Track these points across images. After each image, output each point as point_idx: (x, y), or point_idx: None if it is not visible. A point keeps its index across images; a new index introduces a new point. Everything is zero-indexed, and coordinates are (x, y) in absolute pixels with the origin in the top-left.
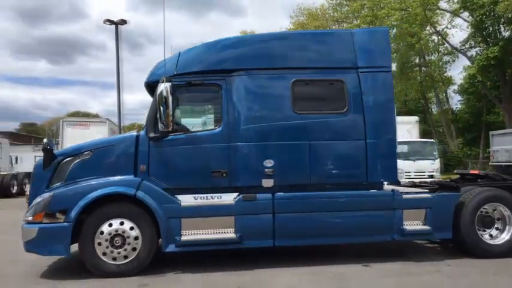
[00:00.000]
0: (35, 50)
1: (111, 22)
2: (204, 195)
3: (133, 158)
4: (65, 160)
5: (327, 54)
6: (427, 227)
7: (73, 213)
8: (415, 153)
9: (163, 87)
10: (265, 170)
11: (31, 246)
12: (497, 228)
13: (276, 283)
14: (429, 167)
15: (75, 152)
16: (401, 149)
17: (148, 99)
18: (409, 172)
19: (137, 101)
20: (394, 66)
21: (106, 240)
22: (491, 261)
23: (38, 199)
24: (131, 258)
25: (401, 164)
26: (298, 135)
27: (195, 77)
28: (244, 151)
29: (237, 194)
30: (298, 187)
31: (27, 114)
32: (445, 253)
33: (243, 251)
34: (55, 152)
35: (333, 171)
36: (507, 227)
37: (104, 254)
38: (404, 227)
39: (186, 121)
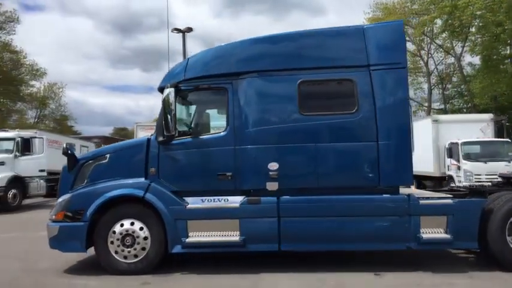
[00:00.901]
0: (129, 59)
1: (179, 30)
2: (212, 197)
3: (145, 161)
4: (86, 163)
5: (335, 52)
6: (447, 236)
7: (88, 213)
8: (487, 154)
9: (167, 92)
10: (270, 173)
11: (54, 242)
12: None
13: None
14: (503, 169)
15: (95, 156)
16: (472, 150)
17: None
18: (479, 175)
19: None
20: (477, 60)
21: (118, 240)
22: None
23: (60, 199)
24: (141, 258)
25: (470, 166)
26: (304, 138)
27: (203, 82)
28: (248, 154)
29: (243, 197)
30: (307, 191)
31: (121, 119)
32: (473, 264)
33: (252, 254)
34: (78, 155)
35: (342, 175)
36: None
37: (116, 252)
38: (421, 235)
39: (194, 125)
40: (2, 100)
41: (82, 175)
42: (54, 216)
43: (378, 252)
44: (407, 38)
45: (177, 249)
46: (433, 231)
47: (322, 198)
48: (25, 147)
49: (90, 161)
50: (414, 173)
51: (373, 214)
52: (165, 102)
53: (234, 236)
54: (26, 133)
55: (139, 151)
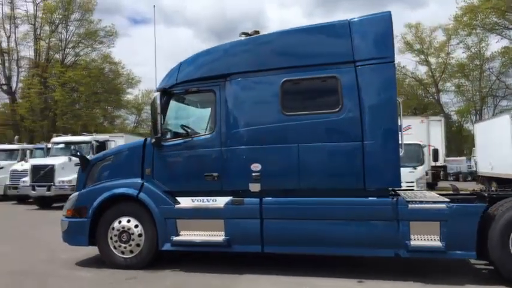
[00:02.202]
0: None
1: (246, 34)
2: (201, 198)
3: (141, 162)
4: (95, 164)
5: (319, 49)
6: (437, 244)
7: (90, 211)
8: None
9: (154, 96)
10: (253, 174)
11: (64, 236)
12: None
13: None
14: None
15: (102, 157)
16: None
17: None
18: None
19: None
20: None
21: (115, 236)
22: None
23: (71, 197)
24: (136, 254)
25: None
26: (286, 138)
27: (193, 85)
28: (233, 155)
29: (229, 197)
30: (291, 192)
31: None
32: (474, 275)
33: (246, 254)
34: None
35: (325, 176)
36: None
37: (115, 247)
38: (410, 241)
39: (186, 127)
40: (106, 107)
41: (92, 175)
42: (65, 212)
43: (367, 259)
44: None
45: (167, 246)
46: (424, 238)
47: (304, 200)
48: (100, 149)
49: (98, 162)
50: (492, 175)
51: (357, 218)
52: (152, 106)
53: (219, 236)
54: (101, 137)
55: (136, 152)
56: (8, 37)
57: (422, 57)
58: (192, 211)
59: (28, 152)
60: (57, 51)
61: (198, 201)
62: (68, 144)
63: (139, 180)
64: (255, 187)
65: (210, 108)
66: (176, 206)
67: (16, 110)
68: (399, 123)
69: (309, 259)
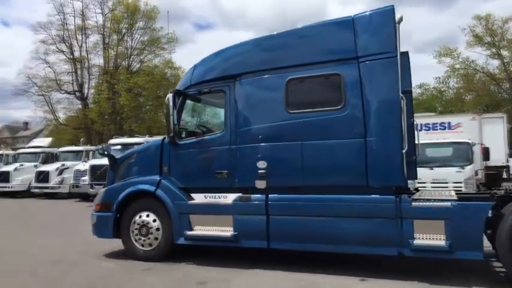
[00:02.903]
0: None
1: None
2: (213, 194)
3: (159, 160)
4: (122, 162)
5: (323, 47)
6: (442, 243)
7: (114, 206)
8: None
9: (167, 98)
10: (259, 171)
11: (93, 229)
12: None
13: (239, 283)
14: None
15: (127, 156)
16: None
17: None
18: None
19: None
20: None
21: (136, 229)
22: None
23: (99, 193)
24: (154, 247)
25: None
26: (290, 136)
27: (205, 86)
28: (241, 153)
29: (238, 194)
30: (297, 189)
31: None
32: (485, 276)
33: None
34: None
35: (329, 173)
36: None
37: (136, 240)
38: (412, 240)
39: (200, 126)
40: None
41: (119, 172)
42: (94, 207)
43: (370, 257)
44: None
45: (181, 240)
46: (429, 238)
47: (308, 197)
48: None
49: (124, 160)
50: None
51: (359, 215)
52: (166, 107)
53: (228, 232)
54: (153, 139)
55: (155, 151)
56: (80, 47)
57: (494, 50)
58: (203, 207)
59: (91, 153)
60: (123, 58)
61: (210, 197)
62: (124, 145)
63: (157, 178)
64: (261, 184)
65: (221, 108)
66: (189, 202)
67: (87, 114)
68: (411, 120)
69: (311, 256)
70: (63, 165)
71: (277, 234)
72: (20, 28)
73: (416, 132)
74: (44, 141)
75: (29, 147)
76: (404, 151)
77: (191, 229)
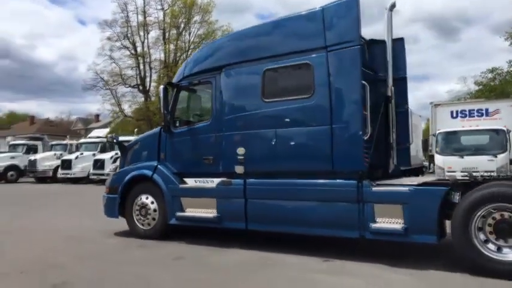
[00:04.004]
0: None
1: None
2: (202, 179)
3: (157, 147)
4: (129, 149)
5: (296, 38)
6: (397, 227)
7: (119, 189)
8: None
9: (160, 89)
10: (238, 157)
11: (104, 209)
12: None
13: (213, 259)
14: None
15: (133, 143)
16: None
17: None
18: None
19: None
20: None
21: (137, 210)
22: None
23: (109, 177)
24: (152, 226)
25: None
26: (265, 124)
27: (195, 78)
28: (224, 140)
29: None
30: (272, 174)
31: None
32: (446, 261)
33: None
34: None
35: (299, 159)
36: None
37: (137, 220)
38: (371, 224)
39: (191, 116)
40: None
41: (127, 158)
42: (105, 190)
43: (336, 239)
44: None
45: (173, 221)
46: (388, 221)
47: (278, 182)
48: None
49: (131, 147)
50: None
51: (324, 199)
52: (159, 98)
53: (212, 214)
54: None
55: (155, 139)
56: (142, 42)
57: None
58: (192, 190)
59: None
60: (182, 52)
61: (199, 182)
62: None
63: (155, 163)
64: (239, 169)
65: (208, 98)
66: (180, 185)
67: (149, 107)
68: (405, 107)
69: (286, 237)
70: (117, 153)
71: (254, 216)
72: (95, 26)
73: (410, 120)
74: (102, 132)
75: (89, 138)
76: (366, 138)
77: (182, 211)
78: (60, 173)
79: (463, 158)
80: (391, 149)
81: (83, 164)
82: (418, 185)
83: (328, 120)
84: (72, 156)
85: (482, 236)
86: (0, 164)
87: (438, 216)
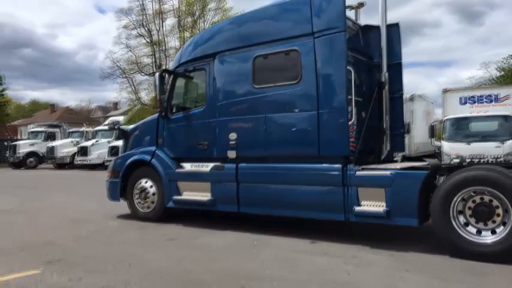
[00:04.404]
0: None
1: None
2: (198, 163)
3: (156, 133)
4: (130, 135)
5: (285, 24)
6: (379, 209)
7: (120, 173)
8: None
9: (155, 76)
10: (230, 142)
11: (107, 193)
12: (493, 222)
13: (204, 240)
14: None
15: (134, 129)
16: None
17: None
18: None
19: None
20: None
21: (137, 194)
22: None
23: (111, 162)
24: (151, 209)
25: None
26: (255, 109)
27: (190, 65)
28: (217, 126)
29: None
30: (262, 159)
31: None
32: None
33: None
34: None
35: (287, 144)
36: (493, 222)
37: (137, 203)
38: (354, 207)
39: (187, 102)
40: None
41: (129, 143)
42: (107, 174)
43: (321, 222)
44: None
45: (170, 204)
46: (372, 204)
47: (268, 166)
48: None
49: (132, 133)
50: None
51: (311, 183)
52: (154, 85)
53: (206, 197)
54: None
55: (153, 125)
56: (158, 30)
57: None
58: (187, 175)
59: None
60: None
61: (195, 166)
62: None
63: (153, 149)
64: (231, 154)
65: (203, 85)
66: (176, 170)
67: None
68: (400, 93)
69: (279, 220)
70: None
71: (245, 200)
72: (113, 15)
73: (404, 106)
74: (119, 119)
75: (104, 125)
76: (350, 122)
77: (179, 194)
78: (77, 159)
79: (469, 144)
80: (384, 134)
81: (98, 151)
82: (400, 169)
83: (315, 106)
84: (88, 144)
85: (462, 219)
86: (20, 151)
87: (419, 199)
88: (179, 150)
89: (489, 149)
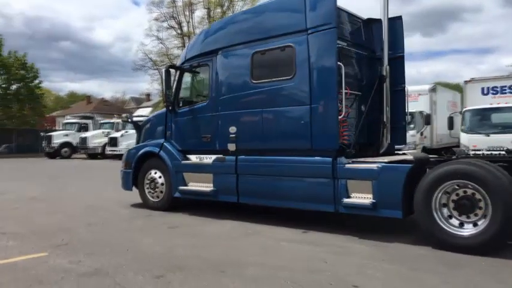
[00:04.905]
0: (409, 25)
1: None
2: (203, 155)
3: (164, 126)
4: (143, 127)
5: (281, 21)
6: (366, 201)
7: (132, 164)
8: None
9: (162, 72)
10: (230, 135)
11: (121, 183)
12: (476, 215)
13: (202, 228)
14: None
15: (146, 122)
16: None
17: None
18: None
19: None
20: None
21: (148, 184)
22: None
23: (124, 153)
24: (160, 199)
25: None
26: (253, 104)
27: (195, 61)
28: (220, 119)
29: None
30: (260, 152)
31: None
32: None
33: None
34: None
35: (282, 137)
36: (475, 215)
37: (148, 193)
38: (343, 199)
39: (193, 96)
40: None
41: (141, 136)
42: (122, 165)
43: (312, 213)
44: None
45: (177, 194)
46: (360, 196)
47: (263, 159)
48: None
49: (144, 126)
50: None
51: (303, 175)
52: (161, 80)
53: (209, 188)
54: None
55: (162, 118)
56: (188, 22)
57: None
58: (192, 166)
59: None
60: None
61: (200, 158)
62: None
63: (162, 141)
64: (231, 147)
65: (207, 80)
66: (182, 161)
67: None
68: (402, 86)
69: (274, 210)
70: None
71: (244, 190)
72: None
73: (406, 98)
74: (146, 111)
75: (134, 116)
76: (341, 117)
77: (185, 185)
78: (108, 149)
79: (489, 136)
80: (385, 127)
81: (128, 142)
82: (387, 162)
83: (307, 101)
84: (118, 134)
85: (446, 212)
86: (55, 141)
87: (403, 192)
88: (185, 142)
89: (508, 141)
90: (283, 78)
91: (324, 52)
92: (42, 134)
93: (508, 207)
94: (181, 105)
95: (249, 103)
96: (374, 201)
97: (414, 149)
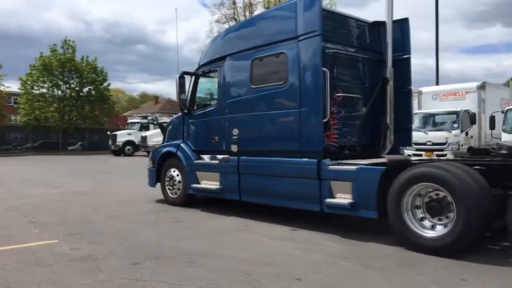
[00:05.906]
0: (489, 15)
1: None
2: (213, 156)
3: (182, 128)
4: (167, 129)
5: (276, 28)
6: (344, 202)
7: (156, 163)
8: None
9: (176, 78)
10: (233, 137)
11: (148, 179)
12: (447, 217)
13: (204, 223)
14: None
15: (169, 123)
16: None
17: None
18: None
19: None
20: None
21: (167, 181)
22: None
23: (151, 152)
24: (178, 195)
25: None
26: (253, 107)
27: (207, 67)
28: (226, 122)
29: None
30: (259, 153)
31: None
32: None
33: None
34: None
35: (276, 140)
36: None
37: (168, 190)
38: (326, 199)
39: (206, 100)
40: None
41: (165, 136)
42: (148, 163)
43: (301, 212)
44: None
45: (190, 191)
46: (341, 197)
47: (259, 159)
48: None
49: (168, 127)
50: None
51: (293, 176)
52: (176, 85)
53: (216, 186)
54: None
55: (180, 120)
56: None
57: None
58: (202, 165)
59: None
60: None
61: (211, 158)
62: None
63: (179, 142)
64: (234, 148)
65: (216, 85)
66: (195, 161)
67: None
68: (408, 88)
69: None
70: None
71: (245, 189)
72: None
73: (474, 94)
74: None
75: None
76: (324, 120)
77: (197, 182)
78: None
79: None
80: (388, 129)
81: (157, 139)
82: (365, 164)
83: (297, 105)
84: (148, 133)
85: (419, 214)
86: (119, 140)
87: (377, 193)
88: (199, 143)
89: None
90: (278, 83)
91: (310, 58)
92: (108, 133)
93: (469, 211)
94: (195, 108)
95: (249, 107)
96: (353, 201)
97: (458, 149)
